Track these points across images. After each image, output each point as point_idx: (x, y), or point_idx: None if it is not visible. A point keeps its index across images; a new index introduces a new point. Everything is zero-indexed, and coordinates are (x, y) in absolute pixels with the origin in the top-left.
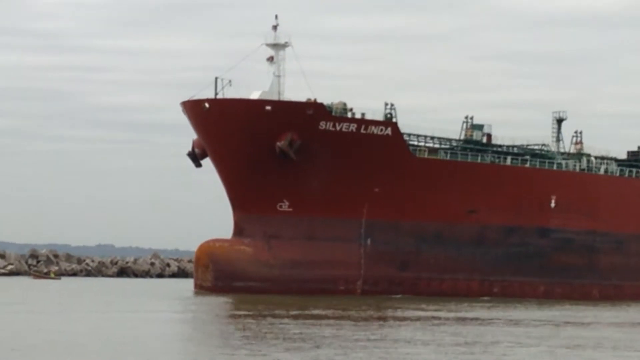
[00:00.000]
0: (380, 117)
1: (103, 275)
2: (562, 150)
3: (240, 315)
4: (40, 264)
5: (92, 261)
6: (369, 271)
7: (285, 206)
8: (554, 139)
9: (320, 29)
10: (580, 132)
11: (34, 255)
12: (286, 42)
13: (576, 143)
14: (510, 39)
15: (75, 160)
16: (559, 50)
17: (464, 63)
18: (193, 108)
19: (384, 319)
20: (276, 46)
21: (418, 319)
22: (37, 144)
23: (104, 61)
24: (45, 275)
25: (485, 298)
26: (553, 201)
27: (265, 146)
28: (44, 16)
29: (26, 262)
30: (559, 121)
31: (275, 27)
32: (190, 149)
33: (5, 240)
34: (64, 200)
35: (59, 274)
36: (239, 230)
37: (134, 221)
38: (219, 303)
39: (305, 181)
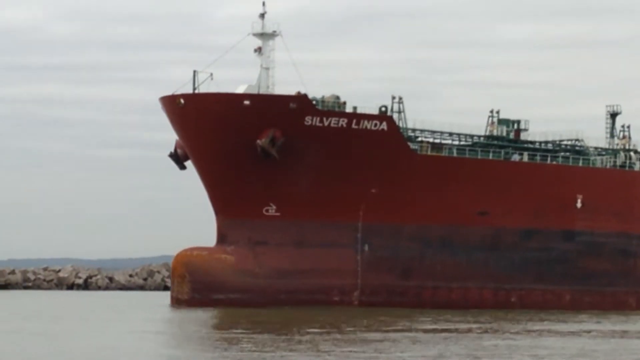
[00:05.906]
0: (375, 111)
1: None
2: (616, 146)
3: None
4: None
5: None
6: (367, 280)
7: (272, 210)
8: (608, 134)
9: (496, 36)
10: (628, 127)
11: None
12: (274, 32)
13: (622, 138)
14: None
15: None
16: None
17: None
18: (169, 104)
19: None
20: (264, 36)
21: None
22: None
23: (279, 74)
24: None
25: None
26: (579, 201)
27: (246, 145)
28: (218, 31)
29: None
30: (613, 115)
31: (262, 15)
32: (172, 150)
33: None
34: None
35: None
36: (221, 237)
37: None
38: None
39: (293, 182)
